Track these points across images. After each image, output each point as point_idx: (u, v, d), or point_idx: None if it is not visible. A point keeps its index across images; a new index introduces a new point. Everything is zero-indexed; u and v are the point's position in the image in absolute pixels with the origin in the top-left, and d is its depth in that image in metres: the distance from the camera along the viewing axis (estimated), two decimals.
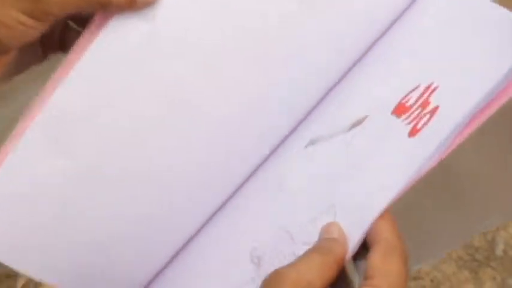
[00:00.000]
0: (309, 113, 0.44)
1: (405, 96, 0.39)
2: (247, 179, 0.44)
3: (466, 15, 0.40)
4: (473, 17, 0.40)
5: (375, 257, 0.35)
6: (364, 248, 0.36)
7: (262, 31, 0.40)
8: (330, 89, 0.44)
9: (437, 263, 0.88)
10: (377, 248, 0.35)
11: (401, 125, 0.38)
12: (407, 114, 0.38)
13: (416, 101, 0.39)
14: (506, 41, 0.38)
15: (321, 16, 0.41)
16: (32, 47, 0.39)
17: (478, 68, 0.38)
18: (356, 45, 0.43)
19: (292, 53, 0.41)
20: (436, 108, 0.38)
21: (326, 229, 0.38)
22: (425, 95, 0.39)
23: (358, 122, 0.41)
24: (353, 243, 0.36)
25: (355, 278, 0.36)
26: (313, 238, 0.38)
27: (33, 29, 0.36)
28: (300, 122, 0.44)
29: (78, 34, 0.37)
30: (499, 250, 0.90)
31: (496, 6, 0.39)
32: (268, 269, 0.36)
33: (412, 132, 0.38)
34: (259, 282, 0.36)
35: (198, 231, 0.45)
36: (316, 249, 0.36)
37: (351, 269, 0.36)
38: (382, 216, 0.36)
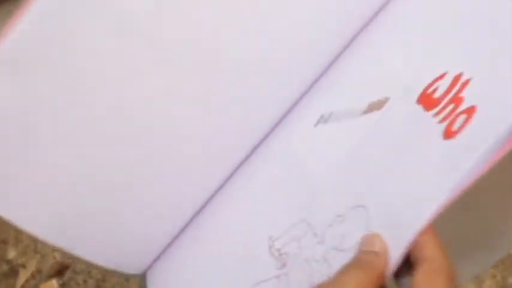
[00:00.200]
0: (317, 82, 0.42)
1: (431, 84, 0.37)
2: (251, 152, 0.43)
3: None
4: None
5: (420, 277, 0.33)
6: (406, 264, 0.34)
7: None
8: (339, 55, 0.41)
9: None
10: (422, 267, 0.33)
11: (432, 122, 0.36)
12: (437, 109, 0.36)
13: (446, 93, 0.36)
14: None
15: None
16: None
17: None
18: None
19: (297, 15, 0.39)
20: (473, 108, 0.35)
21: (366, 240, 0.36)
22: (456, 88, 0.36)
23: (378, 105, 0.38)
24: (394, 259, 0.34)
25: None
26: (345, 244, 0.36)
27: None
28: (308, 92, 0.42)
29: None
30: None
31: None
32: (296, 271, 0.36)
33: (448, 134, 0.35)
34: (286, 282, 0.35)
35: (207, 212, 0.43)
36: (357, 263, 0.35)
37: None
38: (426, 230, 0.34)
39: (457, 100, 0.36)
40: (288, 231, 0.38)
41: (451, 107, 0.36)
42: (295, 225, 0.38)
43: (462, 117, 0.35)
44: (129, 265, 0.42)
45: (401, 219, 0.35)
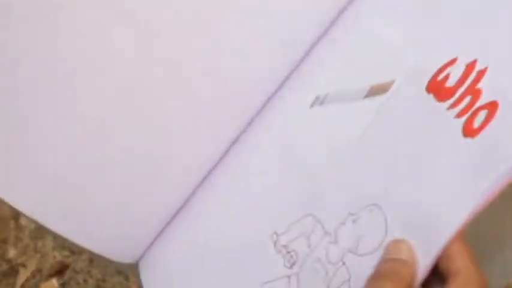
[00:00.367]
0: (309, 55, 0.39)
1: (440, 70, 0.34)
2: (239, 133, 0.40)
3: None
4: None
5: None
6: (434, 275, 0.32)
7: None
8: (330, 28, 0.39)
9: None
10: (456, 281, 0.31)
11: (448, 115, 0.33)
12: (451, 101, 0.33)
13: (460, 83, 0.33)
14: None
15: None
16: None
17: None
18: None
19: None
20: (495, 103, 0.32)
21: (392, 247, 0.33)
22: (471, 78, 0.33)
23: (381, 89, 0.36)
24: (423, 268, 0.32)
25: None
26: (363, 248, 0.34)
27: None
28: (299, 71, 0.39)
29: None
30: None
31: None
32: (308, 272, 0.34)
33: (468, 131, 0.32)
34: (297, 284, 0.34)
35: (200, 199, 0.41)
36: (384, 273, 0.33)
37: None
38: (456, 238, 0.32)
39: (474, 92, 0.33)
40: (294, 226, 0.37)
41: (467, 99, 0.33)
42: (300, 220, 0.37)
43: (483, 112, 0.32)
44: (122, 253, 0.41)
45: (427, 224, 0.33)
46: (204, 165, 0.41)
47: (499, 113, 0.32)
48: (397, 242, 0.33)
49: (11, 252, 0.83)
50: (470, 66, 0.34)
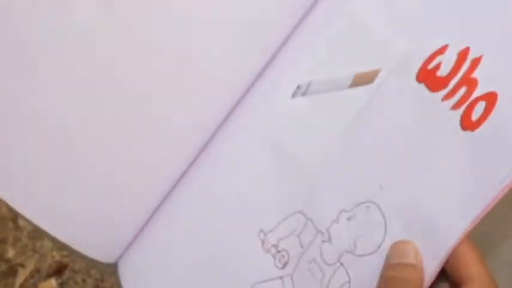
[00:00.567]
0: (287, 43, 0.37)
1: (430, 57, 0.33)
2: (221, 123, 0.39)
3: None
4: None
5: None
6: (445, 282, 0.31)
7: None
8: (310, 12, 0.37)
9: None
10: None
11: (443, 107, 0.32)
12: (445, 91, 0.32)
13: (453, 72, 0.32)
14: None
15: None
16: None
17: None
18: None
19: None
20: (493, 94, 0.30)
21: (399, 250, 0.32)
22: (465, 67, 0.32)
23: (368, 78, 0.34)
24: (430, 273, 0.31)
25: None
26: (362, 248, 0.33)
27: None
28: (277, 54, 0.37)
29: None
30: None
31: None
32: (304, 274, 0.33)
33: (467, 124, 0.31)
34: (291, 285, 0.33)
35: (181, 195, 0.40)
36: (394, 281, 0.31)
37: None
38: (465, 243, 0.30)
39: (469, 82, 0.32)
40: (282, 224, 0.35)
41: (463, 90, 0.32)
42: (289, 217, 0.35)
43: (481, 104, 0.31)
44: (100, 253, 0.40)
45: (430, 224, 0.31)
46: (183, 162, 0.40)
47: (498, 104, 0.31)
48: (403, 244, 0.32)
49: (10, 253, 0.83)
50: (463, 54, 0.32)
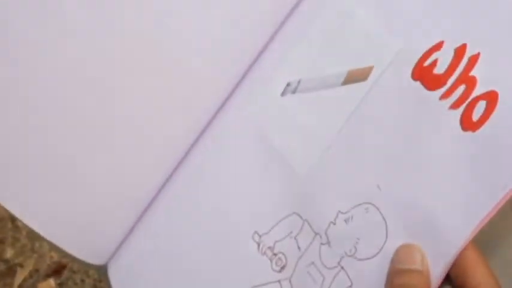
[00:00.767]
0: (274, 38, 0.36)
1: (426, 54, 0.32)
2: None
3: None
4: None
5: None
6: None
7: None
8: (297, 7, 0.36)
9: None
10: None
11: (442, 106, 0.31)
12: (444, 90, 0.31)
13: (450, 70, 0.31)
14: None
15: None
16: None
17: None
18: None
19: None
20: (494, 94, 0.30)
21: (405, 255, 0.31)
22: (463, 64, 0.31)
23: (361, 75, 0.34)
24: (435, 277, 0.30)
25: None
26: (364, 252, 0.32)
27: None
28: (264, 51, 0.36)
29: None
30: None
31: None
32: (303, 278, 0.32)
33: (467, 125, 0.30)
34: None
35: (170, 195, 0.39)
36: (402, 287, 0.30)
37: None
38: (470, 248, 0.30)
39: (468, 80, 0.31)
40: (278, 226, 0.35)
41: (461, 89, 0.31)
42: (284, 219, 0.35)
43: (481, 104, 0.30)
44: (90, 254, 0.40)
45: (434, 227, 0.31)
46: (171, 163, 0.39)
47: (500, 104, 0.30)
48: (408, 248, 0.31)
49: (9, 253, 0.83)
50: (460, 51, 0.32)
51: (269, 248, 0.35)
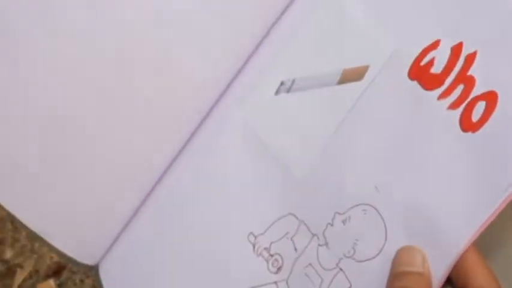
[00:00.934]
0: (269, 35, 0.36)
1: (422, 53, 0.32)
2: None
3: None
4: None
5: None
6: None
7: None
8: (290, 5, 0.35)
9: None
10: None
11: (440, 106, 0.31)
12: (442, 90, 0.31)
13: (448, 69, 0.31)
14: None
15: None
16: None
17: None
18: None
19: None
20: (493, 94, 0.30)
21: (406, 257, 0.31)
22: (460, 64, 0.31)
23: (357, 74, 0.33)
24: (437, 280, 0.30)
25: None
26: (362, 253, 0.32)
27: None
28: (258, 47, 0.36)
29: None
30: None
31: None
32: (300, 279, 0.32)
33: (467, 125, 0.30)
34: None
35: (162, 195, 0.39)
36: None
37: None
38: (471, 250, 0.30)
39: (466, 80, 0.31)
40: (273, 227, 0.35)
41: (460, 88, 0.31)
42: (280, 220, 0.35)
43: (480, 104, 0.30)
44: (82, 253, 0.40)
45: (434, 229, 0.30)
46: (164, 163, 0.39)
47: (500, 104, 0.30)
48: (409, 251, 0.31)
49: (8, 253, 0.83)
50: (457, 50, 0.31)
51: (265, 249, 0.35)
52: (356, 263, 0.32)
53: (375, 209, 0.32)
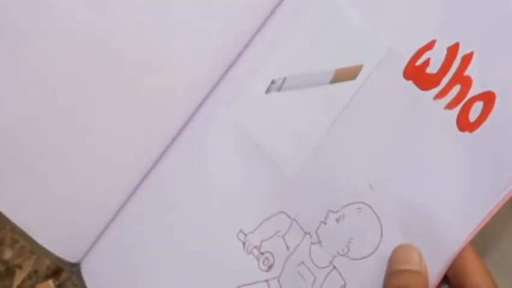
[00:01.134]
0: (259, 33, 0.36)
1: (418, 53, 0.32)
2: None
3: None
4: None
5: None
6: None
7: None
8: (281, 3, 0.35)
9: None
10: None
11: (436, 106, 0.31)
12: (438, 90, 0.31)
13: (444, 69, 0.31)
14: None
15: None
16: None
17: None
18: None
19: None
20: (491, 94, 0.30)
21: (402, 255, 0.31)
22: (456, 64, 0.31)
23: (350, 74, 0.33)
24: (433, 278, 0.30)
25: None
26: (357, 251, 0.32)
27: None
28: (248, 46, 0.36)
29: None
30: None
31: None
32: (292, 277, 0.32)
33: (464, 125, 0.30)
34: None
35: (148, 193, 0.39)
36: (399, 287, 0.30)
37: None
38: (468, 249, 0.30)
39: (463, 80, 0.31)
40: (264, 225, 0.35)
41: (457, 89, 0.31)
42: (271, 218, 0.35)
43: (478, 104, 0.30)
44: (65, 250, 0.40)
45: (431, 228, 0.31)
46: (149, 160, 0.39)
47: (498, 104, 0.30)
48: (406, 249, 0.31)
49: (7, 254, 0.83)
50: (453, 50, 0.32)
51: (255, 247, 0.35)
52: (350, 261, 0.32)
53: (370, 207, 0.32)
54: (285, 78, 0.35)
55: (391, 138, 0.32)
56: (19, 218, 0.39)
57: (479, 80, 0.31)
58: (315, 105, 0.34)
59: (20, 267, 0.81)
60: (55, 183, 0.38)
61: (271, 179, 0.35)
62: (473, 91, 0.31)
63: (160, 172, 0.38)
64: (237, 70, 0.37)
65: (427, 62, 0.32)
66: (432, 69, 0.32)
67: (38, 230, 0.39)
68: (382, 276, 0.31)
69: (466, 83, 0.31)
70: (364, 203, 0.32)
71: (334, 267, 0.33)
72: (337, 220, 0.33)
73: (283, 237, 0.34)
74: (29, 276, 0.80)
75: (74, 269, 0.41)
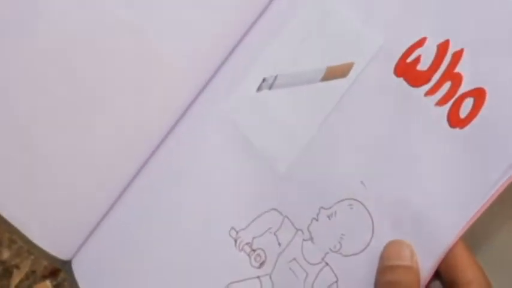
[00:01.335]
0: (250, 31, 0.36)
1: (408, 50, 0.32)
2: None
3: None
4: None
5: None
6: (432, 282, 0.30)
7: None
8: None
9: None
10: None
11: (427, 103, 0.31)
12: (428, 87, 0.31)
13: (434, 66, 0.31)
14: None
15: None
16: None
17: None
18: None
19: None
20: (481, 91, 0.30)
21: (394, 251, 0.31)
22: (446, 61, 0.31)
23: (341, 71, 0.33)
24: (425, 273, 0.30)
25: None
26: (350, 247, 0.32)
27: None
28: (238, 50, 0.36)
29: None
30: None
31: None
32: (284, 274, 0.32)
33: (455, 121, 0.30)
34: (271, 285, 0.32)
35: (139, 189, 0.39)
36: (392, 284, 0.30)
37: None
38: (459, 244, 0.30)
39: (453, 77, 0.31)
40: (256, 222, 0.35)
41: (447, 85, 0.31)
42: (262, 214, 0.35)
43: (468, 100, 0.31)
44: (56, 247, 0.40)
45: (422, 224, 0.31)
46: (141, 157, 0.39)
47: (488, 100, 0.30)
48: (398, 245, 0.31)
49: (5, 254, 0.83)
50: (443, 47, 0.32)
51: (247, 243, 0.35)
52: (342, 257, 0.32)
53: (362, 203, 0.32)
54: (276, 76, 0.35)
55: (382, 135, 0.32)
56: (12, 215, 0.39)
57: (470, 76, 0.31)
58: (307, 103, 0.34)
59: (17, 267, 0.81)
60: (47, 180, 0.39)
61: (263, 176, 0.35)
62: (464, 88, 0.31)
63: (152, 170, 0.38)
64: (229, 68, 0.37)
65: (417, 59, 0.32)
66: (423, 66, 0.32)
67: (30, 227, 0.39)
68: (374, 272, 0.31)
69: (457, 79, 0.31)
70: (356, 200, 0.32)
71: (326, 263, 0.33)
72: (329, 217, 0.33)
73: (275, 234, 0.34)
74: (27, 277, 0.80)
75: (66, 266, 0.41)
